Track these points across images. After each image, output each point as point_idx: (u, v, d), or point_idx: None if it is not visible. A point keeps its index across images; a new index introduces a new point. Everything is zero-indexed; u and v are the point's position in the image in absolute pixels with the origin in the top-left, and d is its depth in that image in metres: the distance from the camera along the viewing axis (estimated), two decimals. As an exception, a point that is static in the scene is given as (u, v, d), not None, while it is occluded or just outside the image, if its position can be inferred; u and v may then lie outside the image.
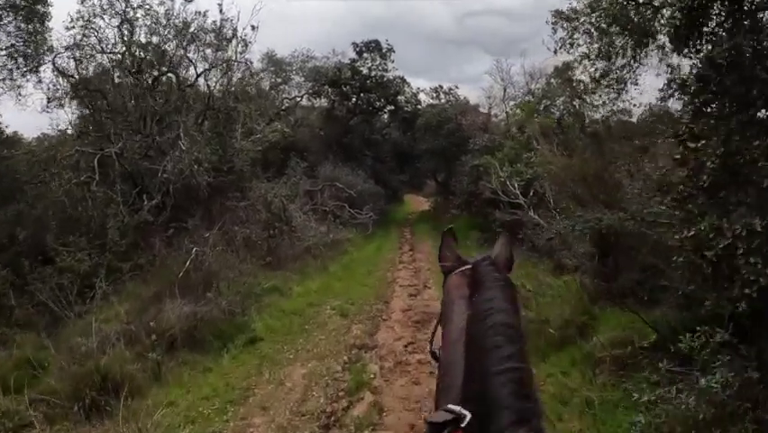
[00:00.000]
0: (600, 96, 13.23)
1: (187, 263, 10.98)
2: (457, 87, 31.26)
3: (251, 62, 19.84)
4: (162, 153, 13.91)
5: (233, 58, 17.79)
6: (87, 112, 16.05)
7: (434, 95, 31.65)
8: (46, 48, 14.64)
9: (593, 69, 12.33)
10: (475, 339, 1.55)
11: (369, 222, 21.44)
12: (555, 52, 11.60)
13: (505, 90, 25.83)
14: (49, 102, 15.18)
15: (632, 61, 12.73)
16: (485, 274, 1.84)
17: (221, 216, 15.22)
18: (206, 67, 17.45)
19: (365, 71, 30.49)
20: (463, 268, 2.21)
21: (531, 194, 14.78)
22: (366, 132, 30.51)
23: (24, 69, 14.53)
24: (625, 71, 12.94)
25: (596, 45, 11.80)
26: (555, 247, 12.76)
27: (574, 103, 22.94)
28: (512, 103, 25.28)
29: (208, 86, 17.80)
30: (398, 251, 19.66)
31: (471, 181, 19.77)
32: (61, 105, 15.29)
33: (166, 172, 13.39)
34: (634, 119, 24.62)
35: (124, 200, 13.18)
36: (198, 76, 17.55)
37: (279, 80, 28.67)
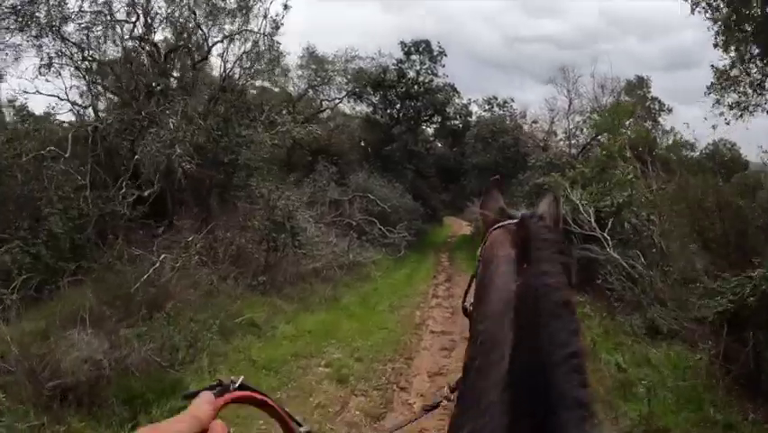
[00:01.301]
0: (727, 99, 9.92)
1: (145, 276, 8.15)
2: (512, 100, 28.05)
3: (279, 43, 16.97)
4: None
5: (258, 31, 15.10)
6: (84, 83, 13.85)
7: (488, 106, 28.15)
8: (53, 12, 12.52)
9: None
10: (527, 320, 1.18)
11: (401, 243, 18.03)
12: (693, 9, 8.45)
13: (570, 102, 22.34)
14: (41, 68, 12.81)
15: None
16: (535, 233, 1.34)
17: (218, 216, 12.38)
18: (220, 38, 14.85)
19: (412, 74, 27.54)
20: (508, 222, 1.67)
21: (609, 226, 11.32)
22: (409, 142, 27.21)
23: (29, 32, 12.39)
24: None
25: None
26: (645, 301, 9.42)
27: (646, 124, 19.53)
28: (578, 118, 21.80)
29: (224, 64, 15.21)
30: (432, 281, 16.17)
31: (531, 204, 16.15)
32: (59, 74, 12.97)
33: (138, 154, 10.60)
34: (696, 153, 21.43)
35: (95, 184, 10.75)
36: (211, 48, 14.95)
37: (319, 79, 25.87)
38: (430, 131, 30.76)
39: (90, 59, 13.21)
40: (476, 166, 25.06)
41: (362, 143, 26.47)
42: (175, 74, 15.01)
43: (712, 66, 10.20)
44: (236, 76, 15.35)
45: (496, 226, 1.77)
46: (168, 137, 10.28)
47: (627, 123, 20.15)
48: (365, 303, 11.70)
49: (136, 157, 11.01)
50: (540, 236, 1.38)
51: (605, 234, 11.11)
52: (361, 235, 17.08)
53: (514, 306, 1.29)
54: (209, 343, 7.06)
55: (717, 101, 10.21)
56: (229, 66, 15.13)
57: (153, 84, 12.97)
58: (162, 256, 9.24)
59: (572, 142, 21.76)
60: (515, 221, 1.65)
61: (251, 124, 13.90)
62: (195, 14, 14.26)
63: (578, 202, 11.79)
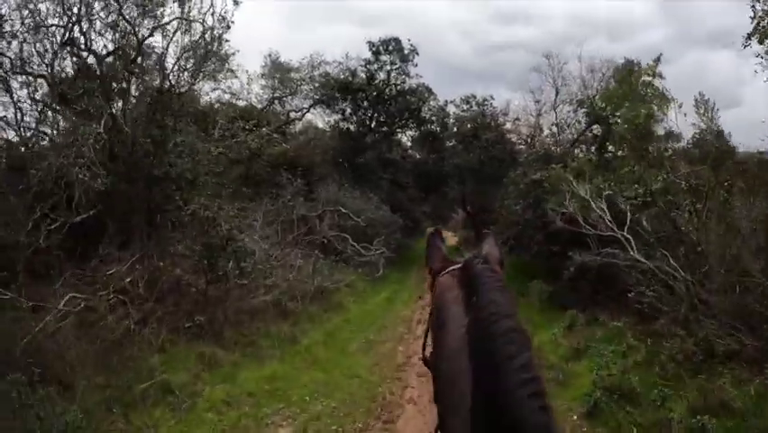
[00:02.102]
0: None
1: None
2: (492, 98, 25.48)
3: (227, 40, 14.80)
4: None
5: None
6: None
7: (466, 106, 25.57)
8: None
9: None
10: (482, 349, 1.40)
11: (379, 260, 15.66)
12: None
13: (557, 92, 20.21)
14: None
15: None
16: (480, 273, 1.63)
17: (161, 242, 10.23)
18: (150, 30, 12.65)
19: (382, 76, 25.11)
20: (452, 268, 1.92)
21: (628, 223, 9.15)
22: (384, 150, 25.12)
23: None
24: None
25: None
26: (692, 315, 7.32)
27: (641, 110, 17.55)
28: (567, 108, 19.65)
29: (162, 63, 13.02)
30: (418, 303, 13.77)
31: (528, 206, 13.88)
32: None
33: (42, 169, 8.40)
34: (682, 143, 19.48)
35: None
36: (142, 43, 12.68)
37: (283, 89, 24.06)
38: (406, 139, 28.46)
39: (19, 71, 11.10)
40: (458, 168, 22.74)
41: (334, 154, 24.26)
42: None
43: (752, 7, 8.32)
44: (178, 78, 13.14)
45: (443, 273, 1.95)
46: (62, 145, 7.98)
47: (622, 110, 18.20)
48: (333, 342, 9.30)
49: (39, 174, 8.72)
50: (486, 275, 1.59)
51: (625, 235, 8.93)
52: (333, 255, 14.82)
53: (468, 339, 1.45)
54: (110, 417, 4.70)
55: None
56: (169, 66, 12.90)
57: (72, 92, 10.75)
58: (67, 297, 7.18)
59: (560, 136, 19.60)
60: (459, 265, 1.86)
61: (192, 130, 11.76)
62: (119, 3, 11.98)
63: (588, 198, 9.60)
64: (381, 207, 19.62)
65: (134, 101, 12.28)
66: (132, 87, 12.76)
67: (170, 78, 12.73)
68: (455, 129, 24.18)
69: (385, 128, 26.22)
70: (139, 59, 12.89)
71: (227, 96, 21.33)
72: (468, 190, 24.45)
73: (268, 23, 37.75)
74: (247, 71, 22.55)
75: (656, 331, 7.66)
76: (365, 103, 25.51)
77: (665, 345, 6.89)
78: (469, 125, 22.91)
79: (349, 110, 25.66)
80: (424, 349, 2.02)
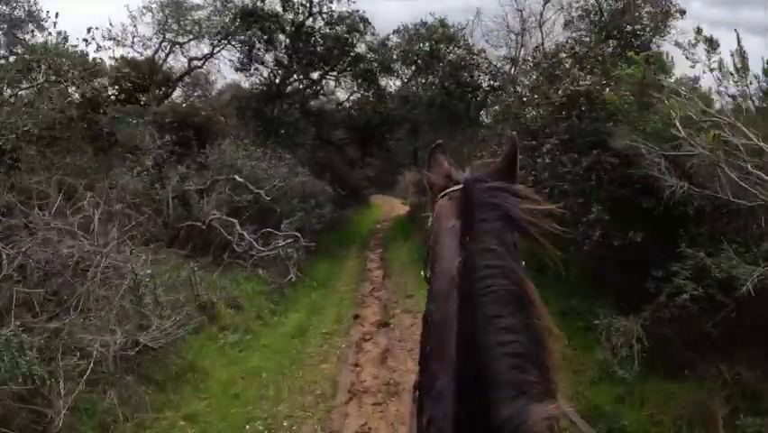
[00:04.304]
0: None
1: None
2: (445, 19, 18.37)
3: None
4: None
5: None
6: None
7: (415, 34, 19.42)
8: None
9: None
10: (468, 303, 1.23)
11: (290, 259, 9.79)
12: None
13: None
14: None
15: None
16: (479, 200, 1.35)
17: None
18: None
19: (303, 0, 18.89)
20: (454, 189, 1.69)
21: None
22: (307, 98, 19.24)
23: None
24: None
25: None
26: None
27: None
28: (560, 23, 13.99)
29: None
30: (354, 332, 7.73)
31: (561, 146, 6.89)
32: None
33: None
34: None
35: None
36: None
37: (180, 32, 18.54)
38: (343, 92, 22.10)
39: None
40: (410, 104, 16.67)
41: (241, 107, 18.47)
42: None
43: None
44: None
45: (441, 195, 1.74)
46: None
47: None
48: None
49: None
50: (485, 203, 1.34)
51: None
52: (218, 253, 9.24)
53: (456, 287, 1.30)
54: None
55: None
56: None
57: None
58: None
59: (545, 64, 13.75)
60: (459, 187, 1.60)
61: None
62: None
63: (735, 123, 4.05)
64: (298, 172, 13.61)
65: None
66: None
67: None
68: (404, 51, 18.08)
69: (310, 70, 20.13)
70: None
71: (108, 44, 16.64)
72: (422, 143, 18.19)
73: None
74: (127, 6, 18.17)
75: None
76: (283, 38, 19.48)
77: None
78: (424, 45, 16.80)
79: (260, 49, 19.46)
80: (426, 270, 1.73)
